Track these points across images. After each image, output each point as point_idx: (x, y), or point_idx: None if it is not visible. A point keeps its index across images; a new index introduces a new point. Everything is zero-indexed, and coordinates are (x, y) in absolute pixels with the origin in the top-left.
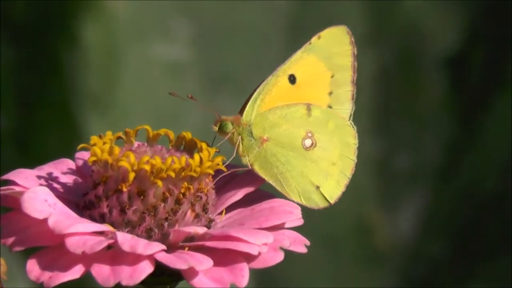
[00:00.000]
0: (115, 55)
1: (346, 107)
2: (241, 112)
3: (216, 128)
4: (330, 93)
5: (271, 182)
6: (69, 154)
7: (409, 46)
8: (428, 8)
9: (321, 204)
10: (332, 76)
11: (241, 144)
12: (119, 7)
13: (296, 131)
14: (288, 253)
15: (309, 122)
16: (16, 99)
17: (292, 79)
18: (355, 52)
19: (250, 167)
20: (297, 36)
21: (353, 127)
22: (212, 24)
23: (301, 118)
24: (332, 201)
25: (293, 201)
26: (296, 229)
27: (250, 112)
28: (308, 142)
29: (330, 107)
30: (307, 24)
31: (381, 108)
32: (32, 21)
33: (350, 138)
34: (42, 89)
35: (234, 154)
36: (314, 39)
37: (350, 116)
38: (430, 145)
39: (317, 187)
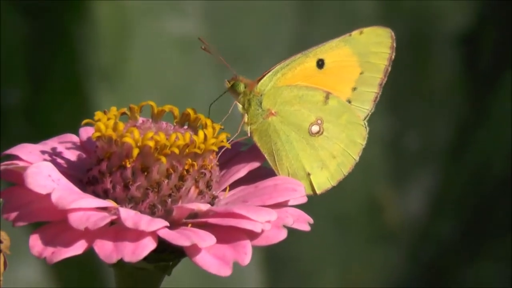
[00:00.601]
0: (126, 30)
1: (365, 107)
2: (259, 80)
3: (229, 85)
4: (354, 89)
5: (265, 154)
6: (79, 128)
7: (419, 25)
8: None
9: (307, 191)
10: (361, 73)
11: (246, 112)
12: None
13: (306, 114)
14: (298, 232)
15: (323, 109)
16: (26, 73)
17: (320, 63)
18: (393, 57)
19: (249, 135)
20: (308, 13)
21: (365, 127)
22: (224, 0)
23: (316, 103)
24: (318, 192)
25: None
26: (306, 208)
27: (267, 83)
28: (315, 129)
29: (349, 101)
30: (319, 3)
31: (392, 87)
32: None
33: (358, 138)
34: (53, 63)
35: (239, 131)
36: (355, 33)
37: (367, 116)
38: (440, 125)
39: (308, 174)
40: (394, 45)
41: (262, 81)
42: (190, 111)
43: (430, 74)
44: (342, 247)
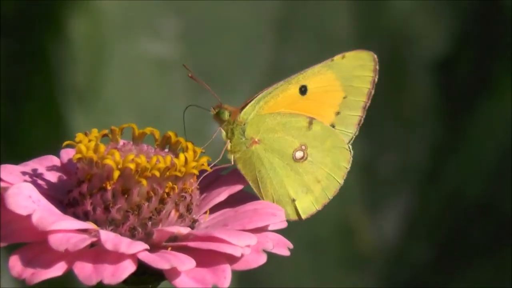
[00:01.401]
0: (102, 50)
1: (350, 130)
2: (242, 109)
3: (214, 112)
4: (338, 113)
5: (249, 182)
6: (54, 148)
7: (397, 48)
8: (417, 11)
9: (292, 217)
10: (344, 97)
11: (230, 141)
12: (107, 2)
13: (290, 141)
14: (272, 255)
15: (307, 135)
16: (3, 93)
17: (303, 89)
18: (376, 80)
19: (233, 163)
20: (285, 35)
21: (350, 151)
22: (200, 21)
23: (300, 129)
24: (304, 217)
25: None
26: (280, 230)
27: (250, 111)
28: (299, 154)
29: (333, 126)
30: (295, 23)
31: (368, 110)
32: (21, 15)
33: (343, 162)
34: (29, 83)
35: (221, 157)
36: (337, 58)
37: (351, 140)
38: (415, 148)
39: (293, 200)
40: (377, 67)
41: (244, 110)
42: (171, 134)
43: (406, 97)
44: (316, 270)
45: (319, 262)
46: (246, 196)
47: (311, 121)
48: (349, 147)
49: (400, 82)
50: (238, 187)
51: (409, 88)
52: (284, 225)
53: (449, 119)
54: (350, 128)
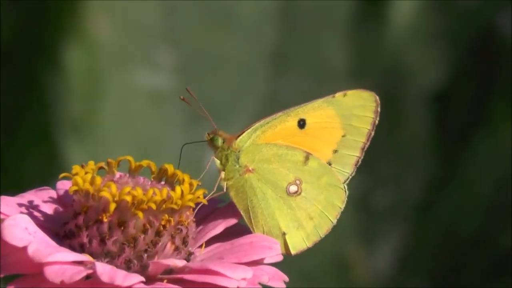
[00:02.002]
0: (98, 81)
1: (346, 170)
2: (238, 136)
3: (208, 138)
4: (335, 151)
5: (240, 210)
6: (49, 179)
7: (392, 82)
8: (413, 45)
9: (281, 251)
10: (343, 136)
11: (224, 167)
12: (103, 34)
13: (285, 173)
14: None
15: (303, 170)
16: None
17: (302, 123)
18: (376, 122)
19: (225, 190)
20: (280, 67)
21: (345, 191)
22: (196, 53)
23: (296, 163)
24: (293, 252)
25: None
26: (275, 263)
27: (246, 139)
28: (293, 189)
29: (329, 164)
30: (291, 56)
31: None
32: (16, 46)
33: (337, 201)
34: (24, 114)
35: (215, 189)
36: (338, 95)
37: (347, 180)
38: (411, 182)
39: (283, 234)
40: (379, 109)
41: (241, 137)
42: (167, 166)
43: (401, 130)
44: None
45: None
46: (242, 229)
47: (307, 156)
48: (344, 187)
49: (395, 116)
50: (235, 220)
51: (405, 122)
52: (280, 258)
53: (445, 153)
54: (346, 168)
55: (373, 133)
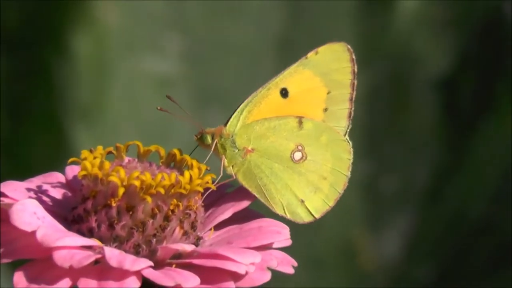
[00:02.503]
0: (105, 68)
1: (341, 125)
2: (227, 123)
3: (197, 138)
4: (325, 110)
5: (254, 193)
6: (57, 165)
7: (399, 69)
8: (419, 31)
9: (306, 219)
10: (328, 93)
11: (224, 156)
12: (111, 20)
13: (285, 144)
14: (273, 274)
15: (300, 135)
16: (5, 110)
17: (284, 92)
18: (355, 70)
19: (234, 177)
20: (287, 54)
21: (348, 142)
22: (203, 39)
23: (292, 130)
24: (317, 216)
25: (277, 214)
26: (282, 249)
27: (235, 123)
28: (298, 155)
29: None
30: (298, 42)
31: (370, 129)
32: (24, 32)
33: (344, 153)
34: (32, 100)
35: (221, 173)
36: (311, 54)
37: (346, 133)
38: (418, 168)
39: (302, 201)
40: (354, 57)
41: (229, 122)
42: (176, 151)
43: (408, 117)
44: None
45: (321, 281)
46: (251, 214)
47: (300, 120)
48: (346, 139)
49: (402, 102)
50: (243, 205)
51: (412, 108)
52: (288, 243)
53: (452, 140)
54: (341, 122)
55: (356, 82)
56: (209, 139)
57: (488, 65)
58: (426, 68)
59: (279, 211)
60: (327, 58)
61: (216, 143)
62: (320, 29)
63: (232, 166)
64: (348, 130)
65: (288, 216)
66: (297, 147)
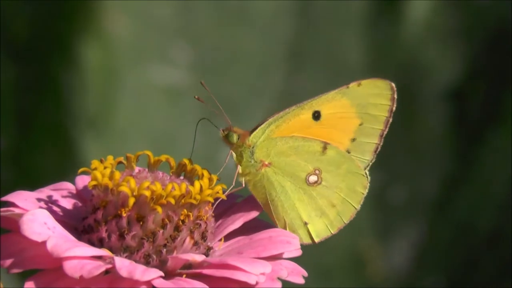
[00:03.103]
0: (114, 77)
1: (366, 157)
2: (252, 131)
3: (223, 134)
4: (353, 140)
5: (261, 204)
6: (65, 175)
7: (408, 79)
8: (429, 42)
9: (305, 240)
10: (360, 124)
11: (239, 163)
12: (119, 30)
13: (303, 165)
14: (283, 284)
15: (321, 160)
16: (13, 120)
17: (316, 115)
18: (394, 109)
19: (244, 186)
20: (297, 63)
21: (366, 177)
22: (212, 49)
23: (314, 154)
24: (317, 240)
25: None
26: (292, 259)
27: (260, 135)
28: (313, 179)
29: (348, 152)
30: (307, 52)
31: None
32: (32, 42)
33: (359, 187)
34: (40, 110)
35: (234, 183)
36: (353, 85)
37: (367, 166)
38: (426, 179)
39: (305, 223)
40: (395, 96)
41: (254, 133)
42: (186, 161)
43: (417, 127)
44: None
45: None
46: (261, 224)
47: (325, 146)
48: (365, 173)
49: (411, 113)
50: (253, 215)
51: (420, 119)
52: (298, 253)
53: (460, 150)
54: (366, 155)
55: (391, 120)
56: (235, 138)
57: (497, 76)
58: (434, 79)
59: (280, 227)
60: (368, 91)
61: (237, 147)
62: (329, 39)
63: (245, 175)
64: (370, 164)
65: None
66: (315, 171)
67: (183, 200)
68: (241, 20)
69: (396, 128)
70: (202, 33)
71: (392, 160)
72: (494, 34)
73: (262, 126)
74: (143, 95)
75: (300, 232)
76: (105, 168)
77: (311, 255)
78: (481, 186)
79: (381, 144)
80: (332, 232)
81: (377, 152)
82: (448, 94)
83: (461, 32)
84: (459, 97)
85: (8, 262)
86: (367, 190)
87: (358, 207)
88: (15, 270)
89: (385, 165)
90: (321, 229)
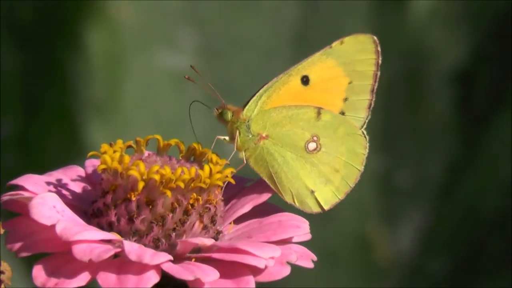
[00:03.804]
0: (120, 63)
1: (360, 115)
2: (245, 106)
3: (217, 112)
4: (345, 99)
5: (264, 178)
6: (71, 160)
7: (413, 63)
8: (435, 25)
9: (314, 209)
10: (349, 83)
11: (238, 138)
12: (125, 15)
13: (300, 133)
14: (295, 267)
15: (317, 125)
16: (20, 105)
17: (305, 80)
18: (379, 61)
19: (245, 163)
20: (302, 49)
21: (364, 136)
22: (218, 34)
23: (309, 121)
24: (326, 207)
25: (286, 202)
26: (299, 243)
27: (253, 108)
28: (312, 146)
29: (343, 113)
30: (312, 38)
31: (385, 124)
32: (38, 27)
33: (359, 148)
34: (46, 96)
35: (235, 149)
36: (335, 44)
37: (364, 124)
38: (432, 162)
39: (312, 192)
40: (379, 49)
41: (247, 106)
42: (195, 145)
43: (423, 111)
44: (334, 283)
45: (336, 275)
46: (270, 208)
47: (319, 111)
48: (363, 132)
49: (417, 96)
50: (262, 199)
51: (426, 102)
52: (308, 237)
53: (466, 133)
54: (360, 113)
55: (378, 73)
56: (229, 115)
57: (502, 59)
58: (440, 63)
59: (288, 199)
60: (351, 48)
61: (232, 123)
62: (334, 25)
63: (245, 151)
64: (367, 121)
65: (297, 205)
66: (312, 138)
67: (192, 184)
68: (247, 6)
69: (402, 112)
70: (208, 19)
71: (397, 144)
72: (500, 18)
73: (254, 98)
74: (149, 80)
75: (308, 201)
76: (114, 152)
77: (317, 239)
78: (486, 169)
79: (374, 99)
80: (340, 197)
81: (371, 108)
82: (453, 78)
83: (466, 15)
84: (465, 81)
85: (17, 245)
86: (367, 150)
87: (362, 168)
88: (24, 254)
89: (390, 149)
90: (328, 195)
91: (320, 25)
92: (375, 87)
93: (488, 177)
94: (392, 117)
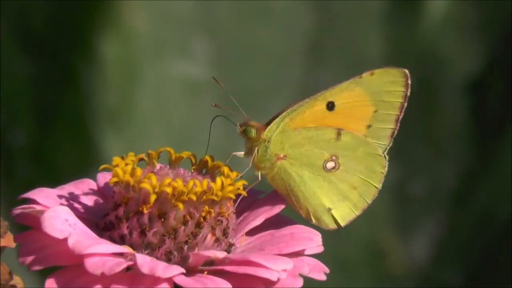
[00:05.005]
0: (134, 72)
1: (382, 142)
2: (267, 125)
3: (241, 129)
4: (369, 126)
5: (282, 195)
6: (85, 170)
7: (427, 72)
8: (448, 33)
9: (331, 226)
10: (375, 111)
11: (256, 157)
12: (139, 24)
13: (319, 153)
14: (308, 279)
15: (337, 146)
16: (33, 114)
17: (330, 105)
18: (408, 94)
19: (260, 180)
20: (316, 57)
21: (384, 157)
22: (232, 43)
23: (329, 141)
24: (343, 224)
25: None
26: (313, 256)
27: (274, 129)
28: (330, 165)
29: None
30: (326, 45)
31: (399, 132)
32: (51, 37)
33: (378, 167)
34: (60, 105)
35: (250, 165)
36: (366, 75)
37: (385, 151)
38: (446, 171)
39: (329, 209)
40: (409, 82)
41: (269, 127)
42: (207, 158)
43: (436, 120)
44: None
45: (350, 283)
46: (283, 220)
47: (339, 132)
48: (383, 154)
49: (430, 105)
50: (275, 211)
51: (440, 111)
52: (320, 249)
53: (480, 142)
54: (383, 140)
55: (406, 105)
56: (253, 132)
57: None
58: (454, 71)
59: (304, 215)
60: (381, 80)
61: (253, 141)
62: (348, 32)
63: (260, 170)
64: (387, 148)
65: (313, 221)
66: (331, 157)
67: (204, 197)
68: (261, 14)
69: (416, 121)
70: (221, 27)
71: (411, 153)
72: None
73: (277, 120)
74: (163, 89)
75: (324, 218)
76: (126, 165)
77: (331, 247)
78: (500, 178)
79: (397, 128)
80: (357, 213)
81: (393, 137)
82: (467, 86)
83: (480, 23)
84: (479, 89)
85: (29, 259)
86: (386, 169)
87: (379, 186)
88: (36, 267)
89: (404, 157)
90: (345, 212)
91: (334, 32)
92: (400, 117)
93: (502, 186)
94: (406, 126)
